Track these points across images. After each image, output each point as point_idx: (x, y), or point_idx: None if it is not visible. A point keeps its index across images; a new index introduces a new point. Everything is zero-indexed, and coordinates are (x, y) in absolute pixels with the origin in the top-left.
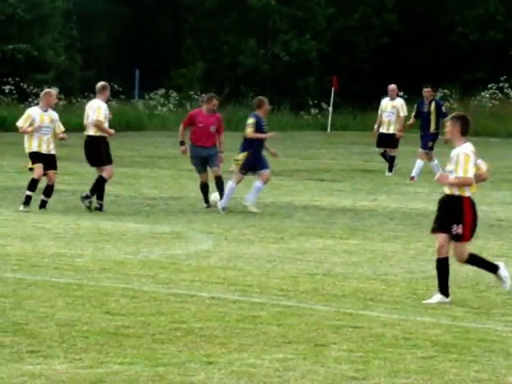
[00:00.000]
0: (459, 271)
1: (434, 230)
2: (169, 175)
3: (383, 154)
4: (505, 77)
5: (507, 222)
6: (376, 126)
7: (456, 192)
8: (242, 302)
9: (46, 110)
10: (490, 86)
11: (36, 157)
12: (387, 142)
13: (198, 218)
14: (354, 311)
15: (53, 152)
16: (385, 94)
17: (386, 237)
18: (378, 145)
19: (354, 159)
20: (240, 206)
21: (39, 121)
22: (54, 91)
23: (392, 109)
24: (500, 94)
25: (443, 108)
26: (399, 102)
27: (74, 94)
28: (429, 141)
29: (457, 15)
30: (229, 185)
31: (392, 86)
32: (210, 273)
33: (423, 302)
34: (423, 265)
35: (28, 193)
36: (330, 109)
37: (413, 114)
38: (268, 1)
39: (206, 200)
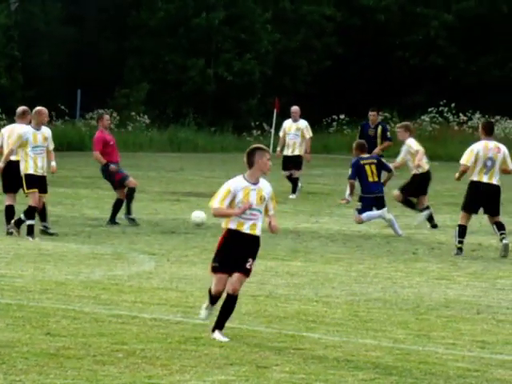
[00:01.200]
0: (400, 293)
1: None
2: (110, 196)
3: (289, 177)
4: (444, 101)
5: (448, 245)
6: (279, 149)
7: None
8: (184, 323)
9: (38, 129)
10: (430, 109)
11: (32, 180)
12: (292, 164)
13: (139, 238)
14: (296, 333)
15: (45, 173)
16: (326, 116)
17: (328, 259)
18: (284, 168)
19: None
20: (183, 227)
21: (33, 140)
22: (44, 109)
23: (296, 131)
24: (440, 118)
25: (388, 133)
26: (303, 123)
27: (15, 114)
28: None
29: (398, 39)
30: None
31: (295, 108)
32: (151, 294)
33: None
34: (365, 287)
35: (29, 222)
36: (272, 130)
37: (357, 135)
38: (212, 22)
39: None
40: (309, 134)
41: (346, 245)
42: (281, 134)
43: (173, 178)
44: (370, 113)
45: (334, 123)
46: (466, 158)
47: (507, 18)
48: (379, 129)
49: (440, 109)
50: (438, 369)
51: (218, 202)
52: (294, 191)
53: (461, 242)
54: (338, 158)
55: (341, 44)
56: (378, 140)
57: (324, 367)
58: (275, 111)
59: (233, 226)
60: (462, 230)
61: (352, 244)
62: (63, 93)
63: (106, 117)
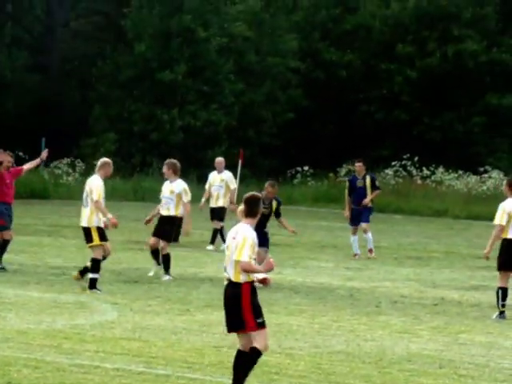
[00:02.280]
0: (363, 346)
1: None
2: (73, 244)
3: (215, 230)
4: (408, 155)
5: (410, 299)
6: (203, 200)
7: None
8: (146, 373)
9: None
10: (393, 163)
11: (103, 232)
12: (215, 214)
13: (102, 287)
14: None
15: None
16: (291, 167)
17: (292, 310)
18: (211, 218)
19: None
20: (146, 276)
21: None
22: (110, 161)
23: (221, 182)
24: (403, 172)
25: (377, 182)
26: (227, 174)
27: None
28: (369, 215)
29: (362, 94)
30: None
31: (219, 159)
32: (114, 344)
33: None
34: (328, 339)
35: (96, 276)
36: (237, 182)
37: (346, 191)
38: (176, 76)
39: None
40: (233, 184)
41: (309, 296)
42: (206, 186)
43: (136, 227)
44: (357, 164)
45: (298, 175)
46: (500, 218)
47: (470, 75)
48: (367, 179)
49: (403, 162)
50: None
51: (248, 256)
52: (212, 242)
53: (504, 306)
54: (302, 209)
55: (306, 96)
56: (368, 190)
57: None
58: (240, 162)
59: (248, 278)
60: (504, 292)
61: (315, 296)
62: (27, 141)
63: (8, 158)
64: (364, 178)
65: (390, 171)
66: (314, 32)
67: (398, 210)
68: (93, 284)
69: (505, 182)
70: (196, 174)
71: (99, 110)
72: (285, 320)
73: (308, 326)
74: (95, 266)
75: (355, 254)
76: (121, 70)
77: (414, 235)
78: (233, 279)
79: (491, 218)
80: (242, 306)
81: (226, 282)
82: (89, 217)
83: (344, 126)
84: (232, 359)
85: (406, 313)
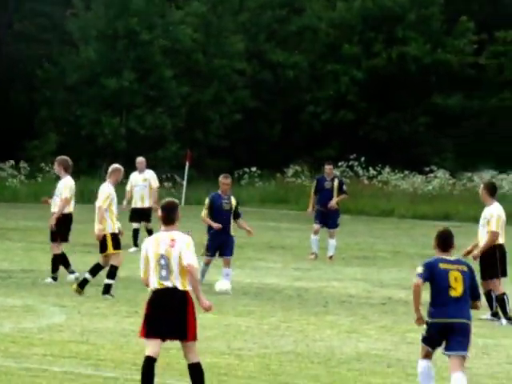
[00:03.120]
0: (312, 346)
1: None
2: (20, 247)
3: (136, 230)
4: (354, 155)
5: (357, 299)
6: (125, 202)
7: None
8: (95, 376)
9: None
10: (340, 163)
11: (118, 240)
12: (142, 216)
13: (50, 291)
14: None
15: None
16: (238, 168)
17: (240, 311)
18: (132, 219)
19: None
20: (94, 279)
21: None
22: (120, 167)
23: (144, 181)
24: (350, 172)
25: (344, 186)
26: (149, 173)
27: None
28: (337, 218)
29: (309, 94)
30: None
31: (140, 159)
32: (62, 347)
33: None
34: (277, 340)
35: (112, 282)
36: (184, 183)
37: (312, 190)
38: (121, 83)
39: None
40: (156, 183)
41: (258, 297)
42: (127, 187)
43: (84, 230)
44: (327, 166)
45: (246, 175)
46: (496, 226)
47: (415, 76)
48: (336, 182)
49: (350, 163)
50: None
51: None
52: (135, 244)
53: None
54: (250, 210)
55: (252, 98)
56: (334, 193)
57: None
58: (187, 163)
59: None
60: (507, 298)
61: (263, 297)
62: None
63: None
64: (332, 181)
65: (336, 171)
66: (260, 33)
67: (346, 210)
68: (107, 289)
69: (482, 186)
70: None
71: (45, 113)
72: (233, 321)
73: (257, 326)
74: (113, 271)
75: (312, 253)
76: (67, 74)
77: (360, 235)
78: (180, 287)
79: (436, 217)
80: (187, 314)
81: (156, 290)
82: (104, 224)
83: (291, 127)
84: (180, 360)
85: (353, 312)
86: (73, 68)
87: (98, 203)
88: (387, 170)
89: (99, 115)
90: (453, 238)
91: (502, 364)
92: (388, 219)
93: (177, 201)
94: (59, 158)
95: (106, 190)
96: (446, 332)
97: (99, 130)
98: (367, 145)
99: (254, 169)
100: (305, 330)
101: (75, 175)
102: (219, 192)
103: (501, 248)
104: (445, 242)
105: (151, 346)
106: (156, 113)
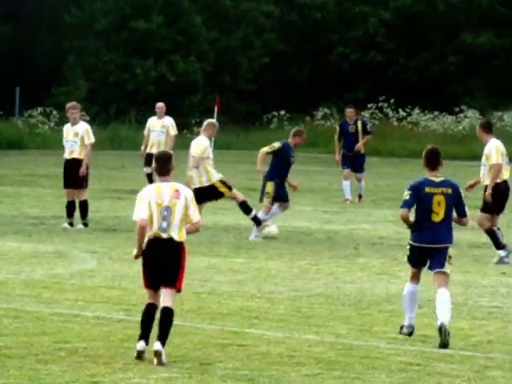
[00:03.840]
0: (342, 289)
1: None
2: (51, 194)
3: (149, 175)
4: (384, 97)
5: (388, 240)
6: (143, 147)
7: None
8: (126, 321)
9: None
10: (369, 105)
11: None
12: None
13: (81, 237)
14: (239, 329)
15: None
16: (267, 112)
17: (270, 255)
18: (146, 164)
19: (240, 178)
20: (124, 225)
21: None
22: (215, 122)
23: (162, 128)
24: (380, 114)
25: (368, 127)
26: (169, 120)
27: None
28: (363, 163)
29: (337, 36)
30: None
31: (160, 104)
32: (93, 292)
33: None
34: (307, 283)
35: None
36: None
37: (336, 137)
38: (150, 25)
39: None
40: (174, 131)
41: (288, 241)
42: (145, 132)
43: (114, 176)
44: (348, 109)
45: (275, 119)
46: (497, 157)
47: (443, 15)
48: (359, 124)
49: (379, 104)
50: (380, 363)
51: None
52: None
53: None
54: None
55: (280, 40)
56: (360, 135)
57: (267, 363)
58: (216, 108)
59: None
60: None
61: (293, 240)
62: (1, 91)
63: None
64: (355, 123)
65: (366, 113)
66: None
67: (375, 151)
68: (257, 220)
69: (478, 125)
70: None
71: (73, 59)
72: (264, 264)
73: (287, 269)
74: (246, 206)
75: (346, 199)
76: (95, 19)
77: (390, 177)
78: (176, 238)
79: (467, 157)
80: (180, 264)
81: (151, 239)
82: (206, 175)
83: (320, 69)
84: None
85: (384, 254)
86: (101, 13)
87: (192, 153)
88: (417, 111)
89: (129, 60)
90: (440, 155)
91: None
92: (418, 160)
93: (171, 151)
94: (74, 103)
95: (197, 142)
96: (426, 255)
97: (128, 75)
98: (396, 86)
99: (282, 112)
100: (335, 272)
101: (104, 122)
102: (289, 141)
103: (505, 184)
104: (432, 160)
105: (150, 296)
106: (188, 61)
